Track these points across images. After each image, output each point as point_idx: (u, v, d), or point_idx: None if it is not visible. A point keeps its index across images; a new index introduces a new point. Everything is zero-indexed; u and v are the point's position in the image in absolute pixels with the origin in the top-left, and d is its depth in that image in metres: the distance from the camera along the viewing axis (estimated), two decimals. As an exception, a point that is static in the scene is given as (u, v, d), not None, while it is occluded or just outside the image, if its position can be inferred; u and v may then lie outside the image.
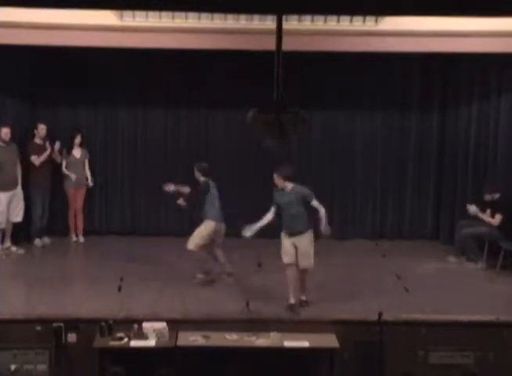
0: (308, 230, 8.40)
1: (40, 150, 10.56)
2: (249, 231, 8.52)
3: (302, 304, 8.43)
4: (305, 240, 8.38)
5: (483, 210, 10.04)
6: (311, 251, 8.41)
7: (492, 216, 9.90)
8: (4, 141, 10.14)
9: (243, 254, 10.22)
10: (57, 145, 10.70)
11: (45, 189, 10.73)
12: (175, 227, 11.30)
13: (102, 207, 11.43)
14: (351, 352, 7.88)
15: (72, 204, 10.89)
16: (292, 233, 8.35)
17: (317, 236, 8.50)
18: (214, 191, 9.19)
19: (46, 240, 10.80)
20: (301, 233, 8.35)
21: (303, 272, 8.47)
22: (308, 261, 8.38)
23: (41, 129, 10.58)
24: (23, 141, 10.52)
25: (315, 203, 8.40)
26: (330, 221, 11.36)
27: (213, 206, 9.14)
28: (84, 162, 10.96)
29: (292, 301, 8.32)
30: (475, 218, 10.09)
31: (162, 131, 11.38)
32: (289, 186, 8.44)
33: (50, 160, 10.71)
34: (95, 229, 11.29)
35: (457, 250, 10.26)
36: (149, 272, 9.50)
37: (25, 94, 10.82)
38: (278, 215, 8.51)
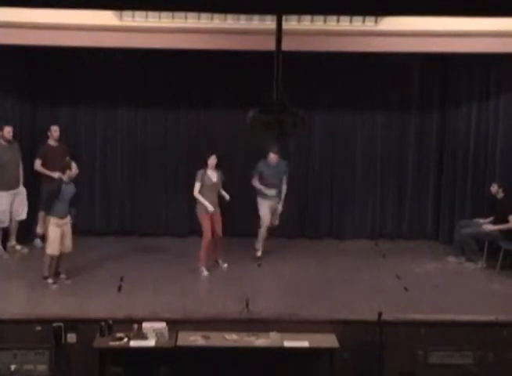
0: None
1: (54, 152, 10.42)
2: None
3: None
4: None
5: (486, 211, 10.11)
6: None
7: (499, 220, 9.90)
8: (6, 140, 10.11)
9: (243, 254, 10.23)
10: None
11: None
12: (175, 227, 11.30)
13: (102, 207, 11.42)
14: (350, 352, 7.89)
15: (207, 232, 9.52)
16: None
17: None
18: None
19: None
20: None
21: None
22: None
23: (55, 131, 10.46)
24: (23, 141, 10.50)
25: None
26: (330, 220, 11.49)
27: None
28: (219, 186, 9.68)
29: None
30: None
31: (162, 132, 11.36)
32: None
33: (62, 160, 10.64)
34: (95, 229, 11.28)
35: (457, 250, 10.27)
36: (149, 272, 9.51)
37: (25, 94, 10.80)
38: None
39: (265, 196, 10.10)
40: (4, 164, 10.08)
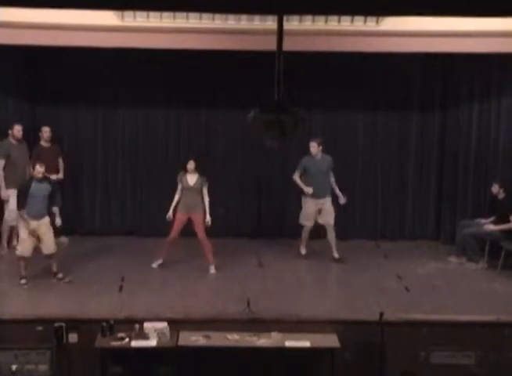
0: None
1: (46, 153, 10.37)
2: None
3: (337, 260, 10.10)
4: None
5: (487, 212, 10.10)
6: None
7: (500, 220, 9.89)
8: (16, 138, 10.11)
9: (244, 254, 10.23)
10: None
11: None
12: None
13: (103, 208, 11.42)
14: (352, 352, 7.88)
15: (172, 231, 9.64)
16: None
17: None
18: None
19: (64, 239, 10.67)
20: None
21: None
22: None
23: (45, 132, 10.46)
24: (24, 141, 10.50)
25: None
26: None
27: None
28: (198, 190, 9.62)
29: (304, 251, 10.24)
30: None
31: (163, 132, 11.37)
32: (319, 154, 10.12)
33: (55, 161, 10.64)
34: (96, 229, 11.28)
35: (458, 250, 10.26)
36: (149, 272, 9.51)
37: (25, 94, 10.80)
38: None
39: (308, 194, 10.12)
40: (14, 162, 10.10)
